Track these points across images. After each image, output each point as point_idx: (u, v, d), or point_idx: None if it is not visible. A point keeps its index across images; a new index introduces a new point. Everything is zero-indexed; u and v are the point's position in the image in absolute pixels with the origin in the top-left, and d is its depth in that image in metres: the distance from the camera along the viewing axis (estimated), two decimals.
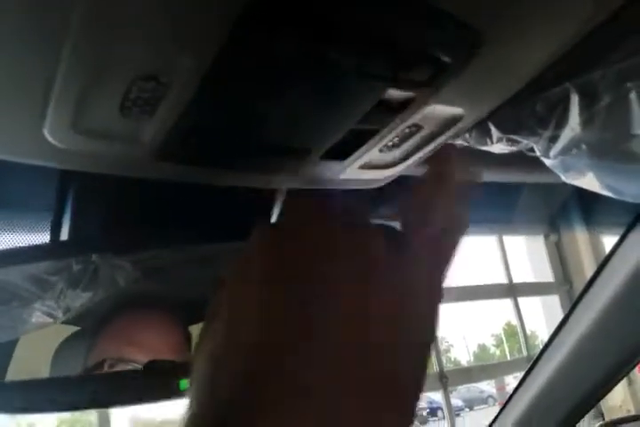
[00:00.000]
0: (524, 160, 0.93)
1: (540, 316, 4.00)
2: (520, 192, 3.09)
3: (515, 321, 4.03)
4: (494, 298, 3.57)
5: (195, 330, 0.79)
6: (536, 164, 0.93)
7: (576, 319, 1.27)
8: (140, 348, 0.77)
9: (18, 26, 0.39)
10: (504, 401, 1.49)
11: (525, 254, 3.90)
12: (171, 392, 0.69)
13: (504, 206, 3.11)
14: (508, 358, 4.12)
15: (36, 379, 0.77)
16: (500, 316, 3.94)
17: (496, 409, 1.53)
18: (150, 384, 0.74)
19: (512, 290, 3.69)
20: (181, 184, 0.66)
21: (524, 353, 3.75)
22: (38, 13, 0.38)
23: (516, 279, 3.77)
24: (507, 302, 3.82)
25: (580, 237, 3.72)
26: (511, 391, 1.51)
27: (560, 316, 3.48)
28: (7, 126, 0.48)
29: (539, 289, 3.91)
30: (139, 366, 0.74)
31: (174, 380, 0.70)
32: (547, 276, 3.84)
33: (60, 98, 0.45)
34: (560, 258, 3.81)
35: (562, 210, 3.62)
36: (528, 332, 4.05)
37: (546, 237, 3.77)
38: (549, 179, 1.05)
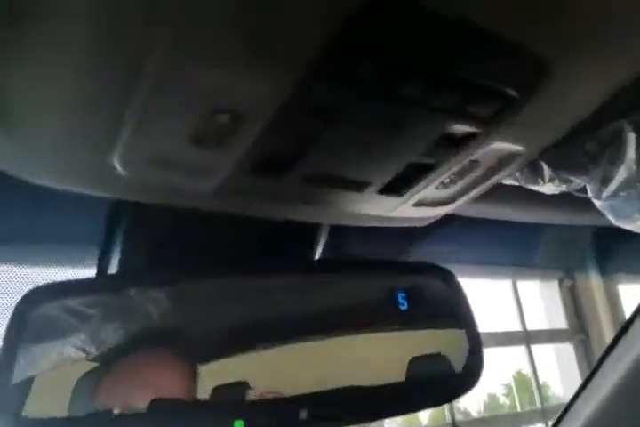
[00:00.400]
0: (564, 200, 0.93)
1: (552, 365, 3.91)
2: (536, 236, 3.08)
3: (525, 370, 3.94)
4: (506, 345, 3.50)
5: (204, 370, 0.77)
6: (567, 204, 0.92)
7: (598, 384, 1.21)
8: (147, 388, 0.75)
9: (95, 56, 0.39)
10: None
11: (539, 300, 3.85)
12: None
13: (519, 250, 3.09)
14: (519, 409, 3.99)
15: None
16: (511, 364, 3.83)
17: None
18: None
19: (525, 337, 3.62)
20: (229, 217, 0.65)
21: (538, 404, 3.66)
22: (118, 43, 0.38)
23: (530, 326, 3.70)
24: (517, 350, 3.75)
25: (594, 284, 3.67)
26: None
27: (574, 366, 3.39)
28: (76, 157, 0.47)
29: (552, 337, 3.84)
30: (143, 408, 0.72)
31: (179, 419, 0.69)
32: (560, 323, 3.77)
33: (134, 128, 0.44)
34: (575, 305, 3.75)
35: (577, 255, 3.59)
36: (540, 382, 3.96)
37: (560, 282, 3.73)
38: (588, 221, 1.04)
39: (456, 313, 0.83)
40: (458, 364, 0.82)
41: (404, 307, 0.79)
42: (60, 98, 0.41)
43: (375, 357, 0.82)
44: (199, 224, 0.72)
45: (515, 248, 3.02)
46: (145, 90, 0.40)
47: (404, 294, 0.79)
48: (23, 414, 0.67)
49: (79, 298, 0.69)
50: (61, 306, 0.70)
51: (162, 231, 0.71)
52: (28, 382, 0.69)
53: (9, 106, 0.43)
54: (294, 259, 0.81)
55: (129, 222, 0.69)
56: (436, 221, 0.80)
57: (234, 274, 0.75)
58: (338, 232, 0.84)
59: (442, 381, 0.81)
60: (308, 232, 0.80)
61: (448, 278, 0.82)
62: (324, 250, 0.83)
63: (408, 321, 0.81)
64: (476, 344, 0.81)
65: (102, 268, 0.70)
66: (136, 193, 0.53)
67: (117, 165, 0.47)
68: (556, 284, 3.76)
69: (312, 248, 0.81)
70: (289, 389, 0.74)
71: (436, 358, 0.81)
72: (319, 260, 0.83)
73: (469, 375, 0.82)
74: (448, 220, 0.82)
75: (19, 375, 0.63)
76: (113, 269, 0.70)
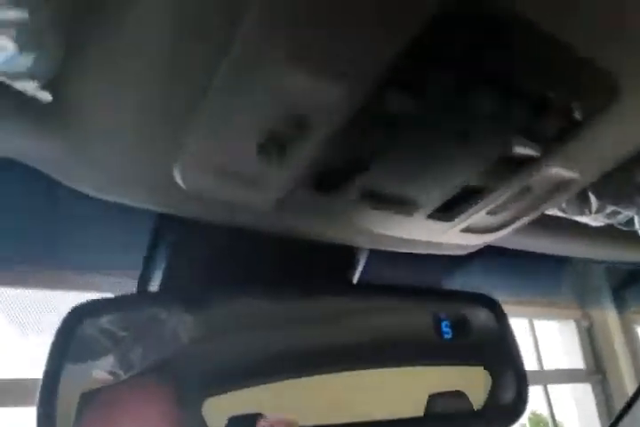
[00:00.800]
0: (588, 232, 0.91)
1: (568, 405, 3.83)
2: (554, 275, 3.04)
3: (540, 410, 3.84)
4: None
5: (211, 404, 0.74)
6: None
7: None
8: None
9: (171, 58, 0.38)
10: None
11: (556, 340, 3.79)
12: None
13: (537, 288, 3.05)
14: None
15: None
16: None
17: None
18: None
19: (542, 377, 3.55)
20: (269, 238, 0.64)
21: None
22: (195, 44, 0.37)
23: (546, 365, 3.63)
24: (533, 390, 3.67)
25: (612, 323, 3.61)
26: None
27: (592, 406, 3.31)
28: (139, 171, 0.46)
29: (569, 377, 3.76)
30: None
31: None
32: (577, 363, 3.70)
33: (200, 137, 0.43)
34: (592, 345, 3.69)
35: (594, 294, 3.55)
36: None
37: (577, 322, 3.67)
38: (628, 257, 1.02)
39: (502, 348, 0.80)
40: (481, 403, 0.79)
41: (448, 336, 0.77)
42: (130, 106, 0.41)
43: (398, 390, 0.80)
44: (239, 245, 0.70)
45: (532, 286, 2.99)
46: (217, 94, 0.39)
47: (448, 323, 0.77)
48: None
49: (119, 315, 0.68)
50: (97, 327, 0.68)
51: (206, 250, 0.70)
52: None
53: (77, 120, 0.43)
54: (332, 282, 0.79)
55: (173, 239, 0.68)
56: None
57: (269, 297, 0.74)
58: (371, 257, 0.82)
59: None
60: (347, 255, 0.78)
61: (495, 310, 0.80)
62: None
63: (450, 353, 0.79)
64: (522, 385, 0.78)
65: (143, 285, 0.69)
66: (195, 209, 0.53)
67: (179, 177, 0.46)
68: (572, 323, 3.71)
69: (350, 272, 0.79)
70: (305, 419, 0.72)
71: (458, 397, 0.78)
72: (358, 284, 0.81)
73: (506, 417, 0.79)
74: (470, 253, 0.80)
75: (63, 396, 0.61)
76: (154, 286, 0.68)
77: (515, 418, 0.79)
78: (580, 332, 3.72)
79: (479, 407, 0.78)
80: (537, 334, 3.65)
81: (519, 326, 3.63)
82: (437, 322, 0.77)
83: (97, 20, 0.36)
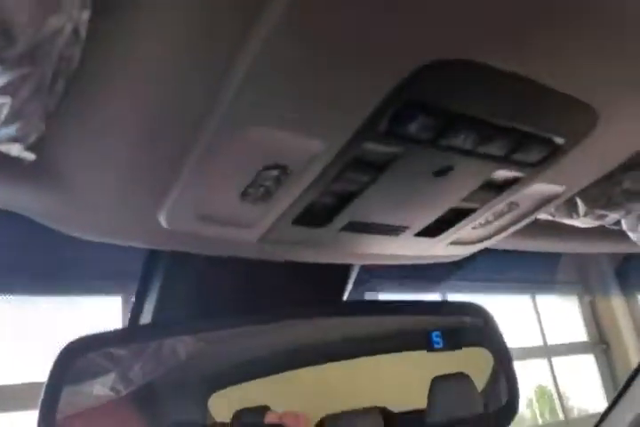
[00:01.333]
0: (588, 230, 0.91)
1: (573, 378, 3.88)
2: (556, 253, 3.05)
3: (545, 383, 3.90)
4: (527, 358, 3.46)
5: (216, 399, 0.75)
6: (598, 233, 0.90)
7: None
8: None
9: (145, 126, 0.39)
10: None
11: (559, 313, 3.83)
12: None
13: (539, 266, 3.07)
14: (540, 421, 3.95)
15: None
16: (532, 379, 3.79)
17: None
18: None
19: (546, 350, 3.59)
20: (260, 262, 0.65)
21: (560, 416, 3.62)
22: (180, 103, 0.37)
23: (550, 338, 3.67)
24: (538, 365, 3.71)
25: (614, 295, 3.64)
26: None
27: (596, 376, 3.34)
28: (124, 214, 0.47)
29: (573, 349, 3.81)
30: None
31: None
32: (581, 336, 3.75)
33: (185, 186, 0.43)
34: (595, 318, 3.73)
35: (596, 269, 3.57)
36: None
37: (580, 296, 3.71)
38: (621, 250, 1.02)
39: (493, 354, 0.81)
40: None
41: (438, 346, 0.78)
42: (114, 154, 0.41)
43: (399, 385, 0.81)
44: (231, 270, 0.71)
45: (535, 265, 3.00)
46: (201, 148, 0.40)
47: (438, 333, 0.77)
48: None
49: (114, 348, 0.69)
50: (96, 355, 0.70)
51: (197, 278, 0.70)
52: None
53: (60, 164, 0.43)
54: (323, 300, 0.80)
55: (165, 271, 0.68)
56: None
57: (262, 319, 0.74)
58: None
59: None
60: (338, 274, 0.79)
61: (484, 316, 0.80)
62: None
63: (442, 360, 0.80)
64: (511, 384, 0.79)
65: (135, 317, 0.70)
66: (180, 246, 0.54)
67: (164, 221, 0.47)
68: (575, 297, 3.74)
69: (341, 290, 0.80)
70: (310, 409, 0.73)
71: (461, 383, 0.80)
72: (348, 301, 0.81)
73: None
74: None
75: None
76: (147, 318, 0.69)
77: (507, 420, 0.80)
78: (582, 305, 3.76)
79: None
80: (540, 309, 3.69)
81: (522, 302, 3.67)
82: (428, 333, 0.78)
83: (77, 91, 0.37)
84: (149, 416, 0.76)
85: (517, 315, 3.49)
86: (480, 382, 0.80)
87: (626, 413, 1.27)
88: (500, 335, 0.80)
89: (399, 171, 0.49)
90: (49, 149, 0.43)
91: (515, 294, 3.45)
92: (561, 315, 3.85)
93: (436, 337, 0.77)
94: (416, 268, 0.77)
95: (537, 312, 3.66)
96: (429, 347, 0.77)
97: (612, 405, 1.34)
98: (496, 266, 2.57)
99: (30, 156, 0.41)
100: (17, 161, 0.42)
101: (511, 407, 0.79)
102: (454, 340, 0.78)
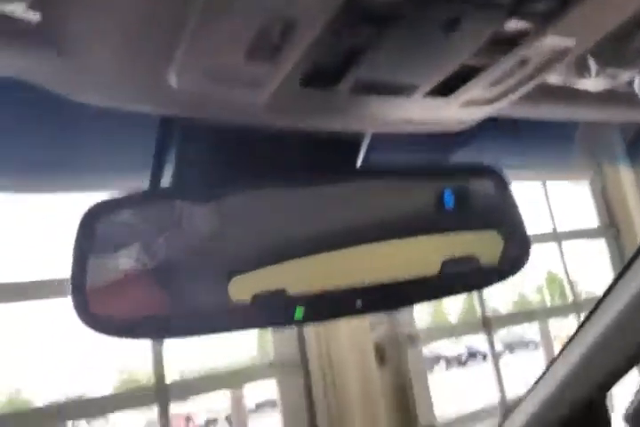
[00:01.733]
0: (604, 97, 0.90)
1: (583, 263, 3.98)
2: (567, 135, 3.03)
3: (555, 270, 4.00)
4: (538, 242, 3.53)
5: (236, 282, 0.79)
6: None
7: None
8: None
9: None
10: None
11: (570, 200, 3.87)
12: None
13: (550, 151, 3.06)
14: (548, 304, 4.10)
15: None
16: (542, 266, 3.89)
17: (536, 354, 1.53)
18: None
19: (556, 236, 3.66)
20: (272, 132, 0.65)
21: (570, 298, 3.74)
22: None
23: (561, 225, 3.72)
24: (548, 251, 3.78)
25: (625, 179, 3.64)
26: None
27: (607, 261, 3.41)
28: (132, 74, 0.47)
29: (584, 234, 3.88)
30: None
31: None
32: (592, 221, 3.80)
33: (191, 41, 0.44)
34: (605, 202, 3.75)
35: (607, 151, 3.55)
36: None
37: (591, 181, 3.71)
38: (632, 118, 1.02)
39: (505, 214, 0.83)
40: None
41: (449, 205, 0.80)
42: (119, 8, 0.41)
43: (414, 256, 0.84)
44: (244, 139, 0.72)
45: (545, 149, 2.99)
46: (205, 2, 0.40)
47: (450, 192, 0.79)
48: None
49: (136, 211, 0.71)
50: (118, 221, 0.72)
51: (210, 147, 0.71)
52: None
53: (64, 22, 0.43)
54: (336, 169, 0.81)
55: (179, 139, 0.69)
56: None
57: (276, 187, 0.76)
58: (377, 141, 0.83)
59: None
60: (351, 142, 0.79)
61: (498, 179, 0.82)
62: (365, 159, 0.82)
63: (453, 221, 0.82)
64: (524, 245, 0.82)
65: (155, 183, 0.71)
66: (189, 109, 0.54)
67: (173, 79, 0.47)
68: (586, 183, 3.75)
69: (354, 157, 0.81)
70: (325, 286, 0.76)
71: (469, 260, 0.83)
72: (361, 168, 0.83)
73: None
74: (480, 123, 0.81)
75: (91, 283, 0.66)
76: (165, 184, 0.71)
77: (518, 267, 0.84)
78: (593, 190, 3.77)
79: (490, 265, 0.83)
80: (551, 195, 3.72)
81: (533, 188, 3.69)
82: (440, 193, 0.80)
83: None
84: (174, 294, 0.79)
85: (528, 202, 3.52)
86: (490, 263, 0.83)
87: (632, 282, 1.30)
88: (513, 197, 0.82)
89: (407, 24, 0.49)
90: (52, 9, 0.42)
91: (525, 180, 3.46)
92: (572, 201, 3.89)
93: (447, 196, 0.79)
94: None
95: (547, 197, 3.68)
96: (442, 206, 0.80)
97: (618, 277, 1.37)
98: (506, 152, 2.57)
99: (34, 15, 0.41)
100: (21, 24, 0.42)
101: (523, 258, 0.83)
102: (465, 200, 0.80)
